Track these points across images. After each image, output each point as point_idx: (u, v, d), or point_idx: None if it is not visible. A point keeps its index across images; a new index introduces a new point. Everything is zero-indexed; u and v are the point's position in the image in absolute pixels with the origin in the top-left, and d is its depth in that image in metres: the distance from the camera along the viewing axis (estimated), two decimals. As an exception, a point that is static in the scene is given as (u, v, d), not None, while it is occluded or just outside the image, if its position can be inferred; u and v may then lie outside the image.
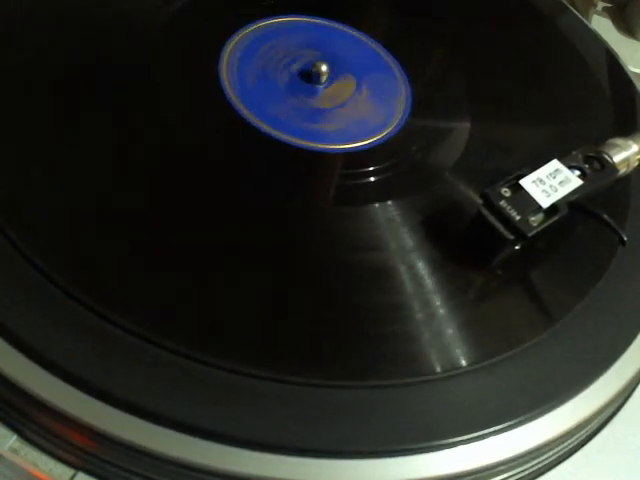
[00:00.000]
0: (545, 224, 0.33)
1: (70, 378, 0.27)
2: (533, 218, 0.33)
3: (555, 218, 0.33)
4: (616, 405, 0.34)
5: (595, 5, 0.67)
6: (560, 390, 0.31)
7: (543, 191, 0.34)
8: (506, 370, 0.31)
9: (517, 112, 0.45)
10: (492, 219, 0.33)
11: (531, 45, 0.51)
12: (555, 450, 0.31)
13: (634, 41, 0.65)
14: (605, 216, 0.34)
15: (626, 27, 0.66)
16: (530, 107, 0.46)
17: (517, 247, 0.34)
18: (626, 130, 0.39)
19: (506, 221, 0.33)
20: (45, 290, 0.29)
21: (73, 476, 0.27)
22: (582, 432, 0.32)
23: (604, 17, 0.67)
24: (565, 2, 0.56)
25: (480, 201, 0.34)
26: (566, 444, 0.32)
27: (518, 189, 0.34)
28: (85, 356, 0.27)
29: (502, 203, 0.33)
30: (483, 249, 0.34)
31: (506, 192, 0.34)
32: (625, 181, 0.40)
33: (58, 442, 0.27)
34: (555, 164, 0.35)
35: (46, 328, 0.28)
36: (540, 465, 0.31)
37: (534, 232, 0.33)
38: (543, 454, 0.31)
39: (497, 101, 0.45)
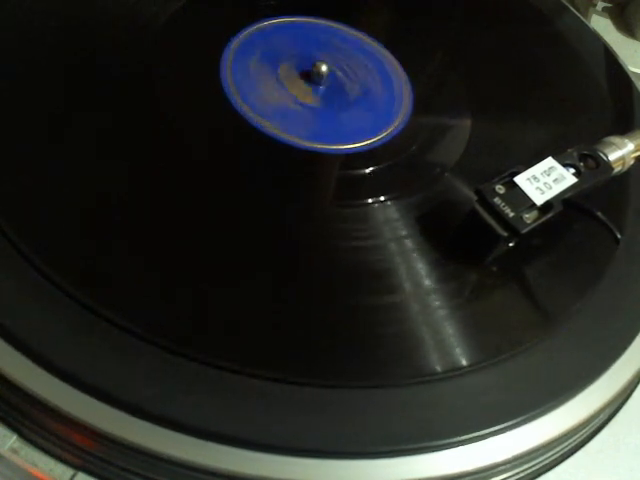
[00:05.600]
0: (539, 221, 0.33)
1: (70, 378, 0.27)
2: (527, 215, 0.33)
3: (549, 215, 0.33)
4: (616, 405, 0.34)
5: (595, 5, 0.67)
6: (560, 390, 0.31)
7: (537, 188, 0.34)
8: (506, 370, 0.31)
9: (517, 112, 0.45)
10: (486, 216, 0.33)
11: (531, 45, 0.51)
12: (555, 450, 0.31)
13: (634, 41, 0.65)
14: (599, 214, 0.34)
15: (626, 27, 0.66)
16: (530, 107, 0.46)
17: (511, 244, 0.34)
18: (626, 129, 0.39)
19: (500, 218, 0.33)
20: (45, 290, 0.29)
21: (73, 476, 0.27)
22: (582, 432, 0.32)
23: (604, 17, 0.67)
24: (565, 2, 0.56)
25: (475, 197, 0.34)
26: (566, 444, 0.32)
27: (512, 186, 0.34)
28: (85, 356, 0.27)
29: (496, 200, 0.33)
30: (477, 246, 0.34)
31: (500, 189, 0.34)
32: (625, 180, 0.40)
33: (58, 442, 0.27)
34: (550, 162, 0.35)
35: (46, 328, 0.28)
36: (540, 465, 0.31)
37: (527, 229, 0.33)
38: (543, 454, 0.31)
39: (497, 101, 0.45)
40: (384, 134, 0.41)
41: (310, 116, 0.41)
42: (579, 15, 0.56)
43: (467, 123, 0.43)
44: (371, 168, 0.39)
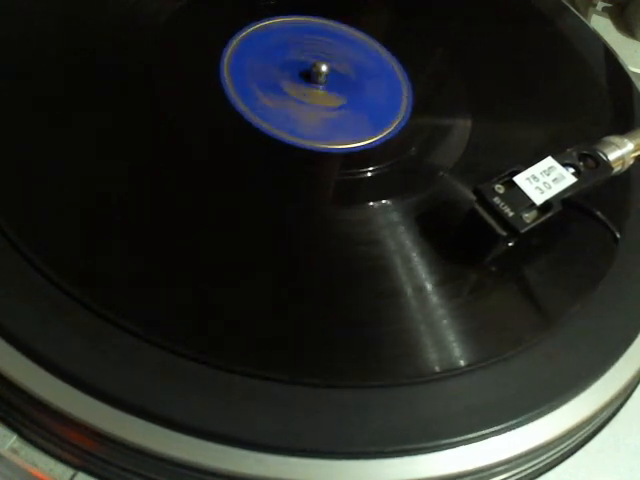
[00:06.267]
0: (538, 221, 0.33)
1: (70, 378, 0.27)
2: (526, 215, 0.33)
3: (548, 215, 0.33)
4: (616, 405, 0.34)
5: (595, 5, 0.67)
6: (560, 390, 0.31)
7: (537, 188, 0.34)
8: (506, 370, 0.31)
9: (517, 112, 0.45)
10: (485, 215, 0.33)
11: (531, 45, 0.51)
12: (555, 450, 0.31)
13: (634, 41, 0.65)
14: (599, 214, 0.34)
15: (626, 27, 0.66)
16: (530, 107, 0.46)
17: (510, 244, 0.34)
18: (626, 129, 0.39)
19: (499, 217, 0.33)
20: (45, 290, 0.29)
21: (73, 476, 0.27)
22: (582, 432, 0.32)
23: (604, 17, 0.67)
24: (565, 2, 0.56)
25: (474, 197, 0.34)
26: (566, 444, 0.32)
27: (512, 186, 0.34)
28: (85, 356, 0.27)
29: (495, 199, 0.33)
30: (477, 245, 0.34)
31: (500, 189, 0.34)
32: (624, 180, 0.40)
33: (58, 442, 0.27)
34: (549, 161, 0.35)
35: (46, 328, 0.28)
36: (540, 465, 0.31)
37: (527, 228, 0.33)
38: (543, 454, 0.31)
39: (497, 101, 0.45)
40: (384, 134, 0.41)
41: (310, 116, 0.41)
42: (579, 15, 0.56)
43: (467, 123, 0.43)
44: (371, 168, 0.39)
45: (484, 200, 0.33)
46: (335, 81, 0.43)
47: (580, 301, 0.35)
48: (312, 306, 0.32)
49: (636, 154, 0.38)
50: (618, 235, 0.35)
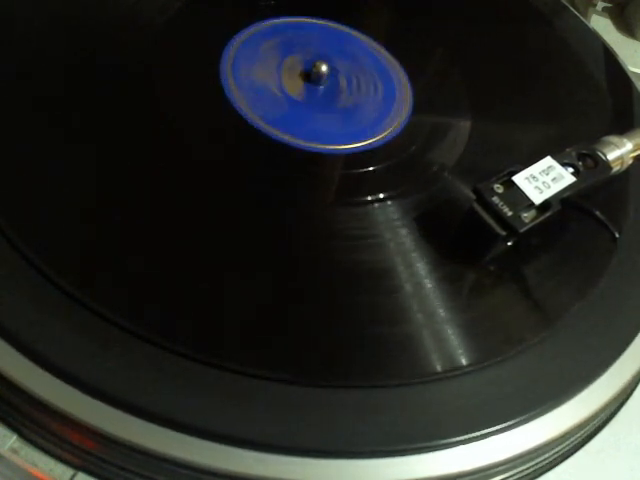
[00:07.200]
0: (537, 220, 0.33)
1: (70, 378, 0.27)
2: (525, 214, 0.33)
3: (547, 214, 0.33)
4: (616, 405, 0.34)
5: (595, 5, 0.67)
6: (560, 390, 0.31)
7: (536, 187, 0.34)
8: (506, 370, 0.31)
9: (517, 112, 0.45)
10: (484, 215, 0.33)
11: (531, 45, 0.51)
12: (555, 450, 0.31)
13: (634, 41, 0.65)
14: (598, 213, 0.34)
15: (626, 27, 0.66)
16: (530, 107, 0.46)
17: (509, 243, 0.34)
18: (625, 129, 0.39)
19: (498, 217, 0.33)
20: (45, 290, 0.29)
21: (73, 476, 0.27)
22: (582, 432, 0.32)
23: (604, 17, 0.67)
24: (565, 2, 0.56)
25: (473, 197, 0.34)
26: (566, 444, 0.32)
27: (511, 185, 0.34)
28: (85, 356, 0.27)
29: (494, 199, 0.33)
30: (476, 245, 0.34)
31: (499, 188, 0.34)
32: (623, 180, 0.40)
33: (58, 442, 0.27)
34: (548, 161, 0.35)
35: (46, 328, 0.28)
36: (540, 465, 0.31)
37: (526, 228, 0.33)
38: (543, 454, 0.31)
39: (497, 101, 0.45)
40: (384, 134, 0.41)
41: (310, 116, 0.41)
42: (579, 15, 0.56)
43: (467, 123, 0.43)
44: (371, 168, 0.39)
45: (483, 199, 0.33)
46: (335, 81, 0.43)
47: (579, 301, 0.35)
48: (312, 306, 0.32)
49: (635, 154, 0.38)
50: (617, 235, 0.35)
